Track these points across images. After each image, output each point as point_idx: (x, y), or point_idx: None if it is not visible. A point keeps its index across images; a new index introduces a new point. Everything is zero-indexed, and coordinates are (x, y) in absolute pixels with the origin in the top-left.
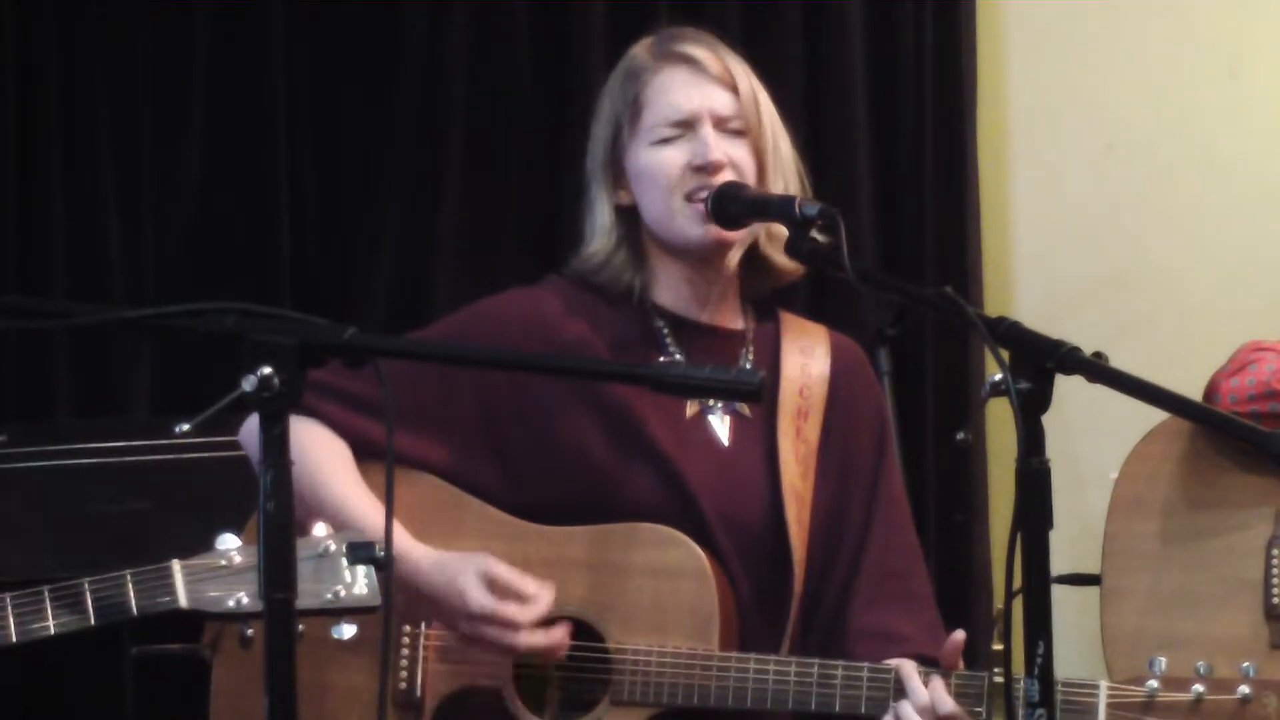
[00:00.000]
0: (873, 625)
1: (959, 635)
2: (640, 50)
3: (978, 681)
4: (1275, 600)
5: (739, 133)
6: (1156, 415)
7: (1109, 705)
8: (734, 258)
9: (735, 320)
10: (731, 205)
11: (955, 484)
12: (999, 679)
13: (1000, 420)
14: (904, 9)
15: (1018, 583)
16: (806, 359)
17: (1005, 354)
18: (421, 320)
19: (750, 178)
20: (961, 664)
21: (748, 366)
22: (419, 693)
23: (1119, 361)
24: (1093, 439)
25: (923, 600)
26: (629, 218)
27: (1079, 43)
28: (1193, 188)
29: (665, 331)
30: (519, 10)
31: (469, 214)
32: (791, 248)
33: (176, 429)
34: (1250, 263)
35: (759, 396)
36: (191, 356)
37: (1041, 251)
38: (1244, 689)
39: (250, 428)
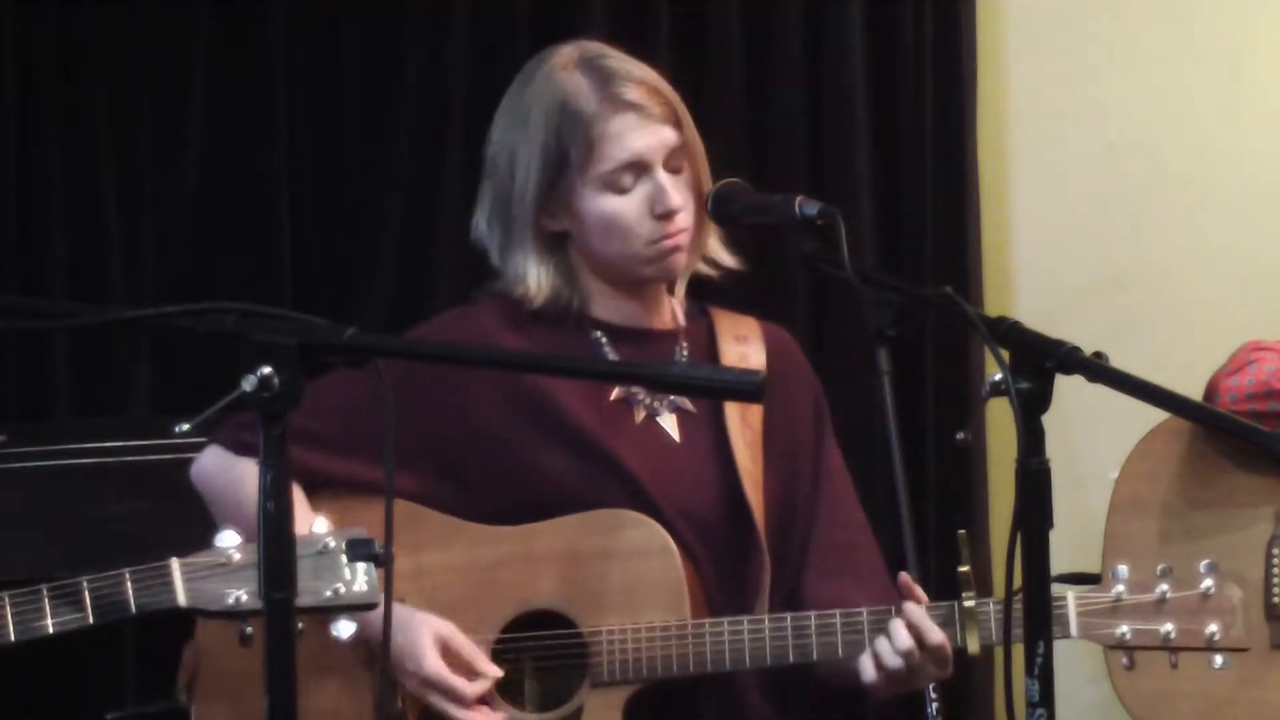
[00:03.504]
0: (825, 597)
1: (903, 575)
2: (572, 87)
3: (945, 607)
4: (1275, 600)
5: (678, 170)
6: (1156, 415)
7: (1079, 614)
8: (681, 284)
9: (666, 321)
10: (731, 206)
11: (955, 484)
12: (969, 602)
13: (1000, 420)
14: (904, 9)
15: (1018, 583)
16: (744, 347)
17: (1005, 354)
18: (422, 320)
19: (693, 208)
20: (923, 594)
21: (683, 361)
22: (400, 704)
23: (1119, 361)
24: (1093, 439)
25: (873, 571)
26: (556, 240)
27: (1079, 43)
28: (1193, 188)
29: (603, 340)
30: (519, 10)
31: (469, 214)
32: (792, 247)
33: (176, 429)
34: (1250, 263)
35: (760, 397)
36: (191, 356)
37: (1041, 251)
38: (1206, 583)
39: (201, 468)
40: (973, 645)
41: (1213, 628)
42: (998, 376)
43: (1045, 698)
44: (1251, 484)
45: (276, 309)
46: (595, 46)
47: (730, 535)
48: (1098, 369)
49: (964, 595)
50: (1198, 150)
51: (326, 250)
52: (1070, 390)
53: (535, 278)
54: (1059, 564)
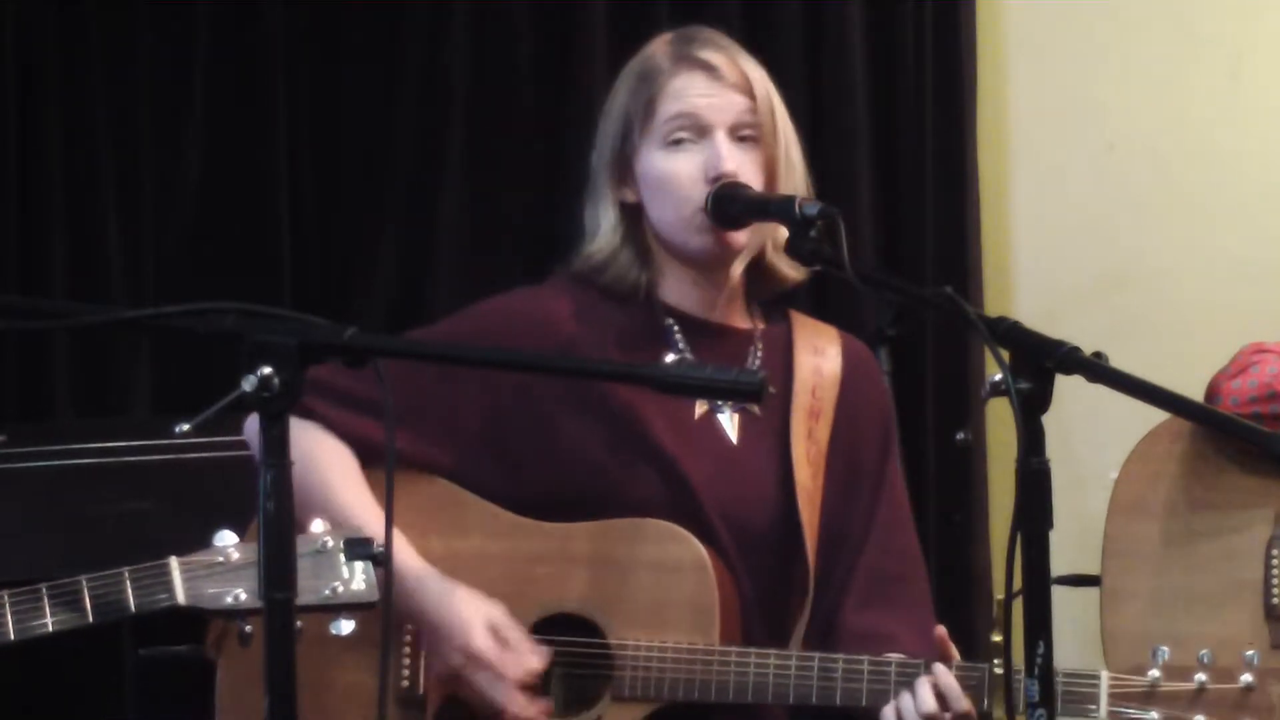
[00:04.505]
0: (863, 626)
1: (940, 629)
2: (657, 51)
3: (977, 672)
4: (1275, 600)
5: (752, 140)
6: (1156, 415)
7: (1110, 695)
8: (739, 265)
9: (743, 320)
10: (731, 206)
11: (955, 484)
12: (999, 670)
13: (1000, 420)
14: (904, 9)
15: (1018, 583)
16: (819, 359)
17: (1005, 354)
18: (422, 320)
19: (759, 187)
20: (956, 653)
21: (756, 365)
22: (421, 690)
23: (1119, 362)
24: (1093, 439)
25: (917, 604)
26: (633, 215)
27: (1079, 43)
28: (1193, 188)
29: (675, 329)
30: (519, 10)
31: (469, 214)
32: (791, 247)
33: (176, 429)
34: (1250, 263)
35: (759, 397)
36: (191, 356)
37: (1041, 251)
38: (1247, 677)
39: (254, 424)
40: (999, 713)
41: None
42: (998, 376)
43: (1045, 698)
44: (1252, 485)
45: (276, 309)
46: (699, 28)
47: (776, 552)
48: (1098, 369)
49: (994, 662)
50: (1198, 150)
51: (326, 250)
52: (1070, 390)
53: (605, 235)
54: (1059, 564)
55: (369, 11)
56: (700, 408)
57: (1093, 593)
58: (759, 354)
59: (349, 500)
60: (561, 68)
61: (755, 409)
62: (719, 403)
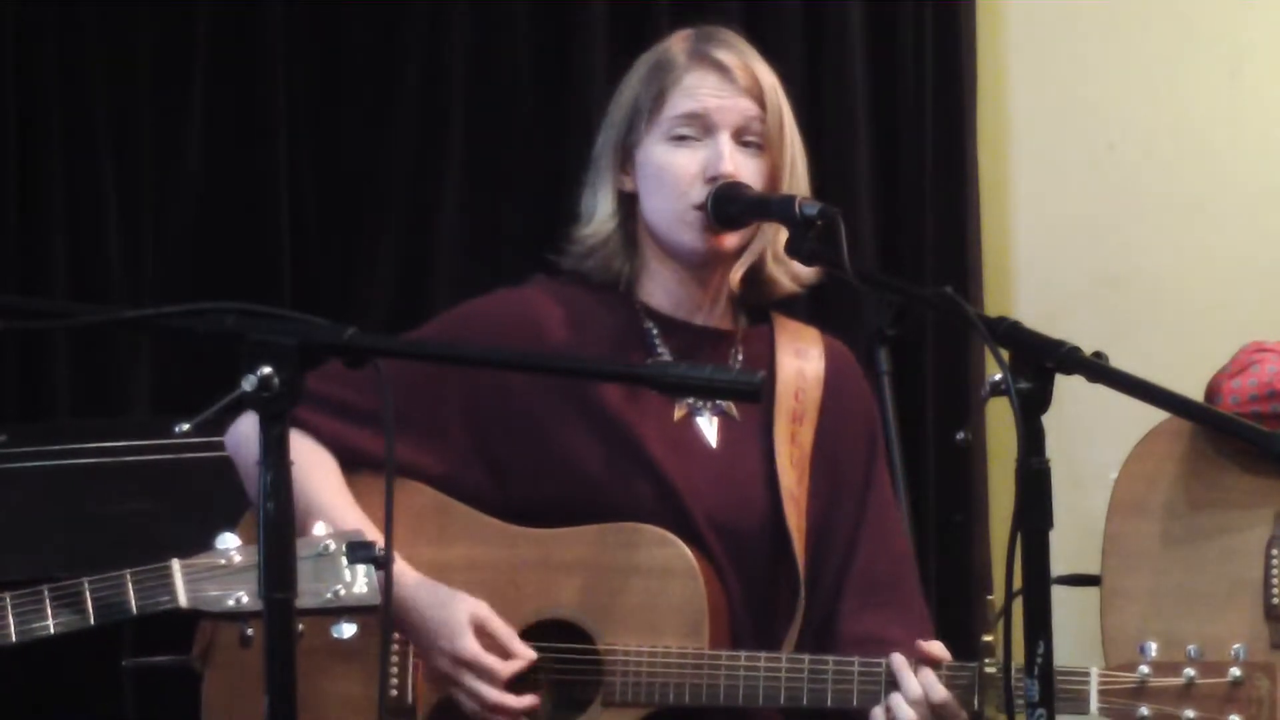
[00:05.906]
0: (863, 631)
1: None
2: (674, 45)
3: (967, 671)
4: (1275, 600)
5: (757, 146)
6: (1156, 415)
7: (1100, 692)
8: (735, 273)
9: (725, 322)
10: (731, 205)
11: (955, 484)
12: (989, 669)
13: (1000, 420)
14: (904, 9)
15: (1018, 583)
16: (802, 361)
17: (1005, 354)
18: (422, 320)
19: None
20: (947, 654)
21: (736, 365)
22: (410, 700)
23: (1119, 362)
24: (1093, 439)
25: (913, 607)
26: (629, 206)
27: (1079, 43)
28: (1193, 188)
29: (655, 332)
30: (519, 10)
31: (469, 214)
32: (791, 248)
33: (176, 429)
34: (1250, 263)
35: (759, 397)
36: (191, 356)
37: (1041, 251)
38: (1235, 671)
39: (236, 433)
40: (991, 712)
41: (1235, 718)
42: (998, 376)
43: (1045, 698)
44: (1251, 484)
45: (276, 309)
46: (719, 29)
47: (764, 556)
48: (1098, 369)
49: (985, 662)
50: (1198, 150)
51: (326, 250)
52: (1070, 390)
53: (600, 220)
54: (1059, 564)
55: (369, 11)
56: (679, 411)
57: (1093, 593)
58: (739, 356)
59: (326, 503)
60: (561, 68)
61: (734, 412)
62: (698, 406)
